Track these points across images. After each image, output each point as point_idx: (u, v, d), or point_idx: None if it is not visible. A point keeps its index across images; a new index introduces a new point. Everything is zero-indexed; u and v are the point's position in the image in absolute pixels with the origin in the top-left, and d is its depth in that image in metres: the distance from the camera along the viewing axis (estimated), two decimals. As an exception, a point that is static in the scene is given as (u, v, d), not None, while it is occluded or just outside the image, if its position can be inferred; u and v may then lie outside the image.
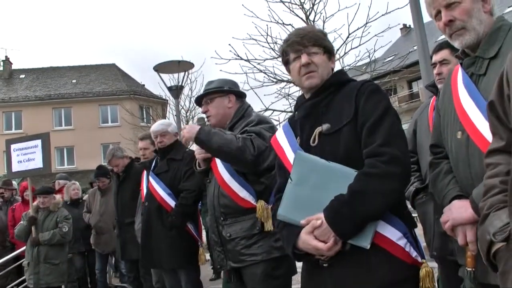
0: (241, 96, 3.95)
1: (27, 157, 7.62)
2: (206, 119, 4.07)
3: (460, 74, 2.31)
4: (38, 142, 7.63)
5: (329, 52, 2.60)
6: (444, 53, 3.43)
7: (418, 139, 3.60)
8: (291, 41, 2.58)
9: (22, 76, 42.82)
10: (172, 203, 5.18)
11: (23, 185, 9.36)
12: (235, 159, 3.42)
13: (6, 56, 43.44)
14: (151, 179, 5.38)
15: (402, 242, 2.26)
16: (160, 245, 5.12)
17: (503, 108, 1.71)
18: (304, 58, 2.50)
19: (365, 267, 2.24)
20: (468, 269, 2.14)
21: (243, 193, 3.48)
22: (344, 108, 2.40)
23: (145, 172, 6.00)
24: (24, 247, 7.70)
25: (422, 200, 3.39)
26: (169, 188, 5.23)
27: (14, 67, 43.89)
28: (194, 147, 4.05)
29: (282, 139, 2.66)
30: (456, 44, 2.29)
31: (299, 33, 2.61)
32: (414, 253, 2.29)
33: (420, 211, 3.52)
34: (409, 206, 3.46)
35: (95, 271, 8.60)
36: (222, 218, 3.54)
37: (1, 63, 43.04)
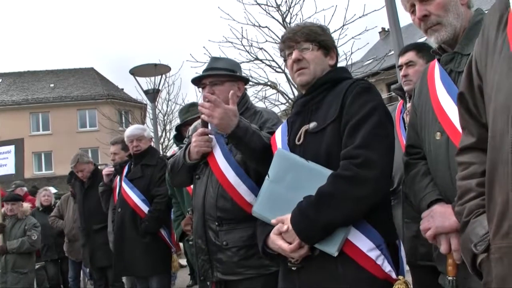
0: (246, 83, 3.56)
1: (-2, 163, 7.45)
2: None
3: (437, 70, 2.21)
4: (12, 147, 7.50)
5: (325, 47, 2.51)
6: (410, 55, 3.38)
7: None
8: (284, 37, 2.56)
9: (-1, 80, 42.20)
10: (146, 209, 5.14)
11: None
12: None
13: (-18, 60, 42.83)
14: (124, 184, 5.30)
15: (373, 254, 2.14)
16: (134, 251, 5.05)
17: (474, 100, 1.61)
18: (294, 54, 2.47)
19: (331, 275, 2.15)
20: (449, 278, 2.05)
21: (250, 197, 2.95)
22: (331, 107, 2.33)
23: (117, 177, 5.91)
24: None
25: (391, 204, 3.30)
26: (143, 194, 5.17)
27: (-10, 71, 43.26)
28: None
29: (278, 138, 2.58)
30: (432, 39, 2.20)
31: (292, 29, 2.58)
32: (387, 268, 2.15)
33: (394, 214, 3.44)
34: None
35: (68, 278, 8.43)
36: (217, 223, 3.03)
37: (-23, 67, 42.44)
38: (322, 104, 2.40)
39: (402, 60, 3.42)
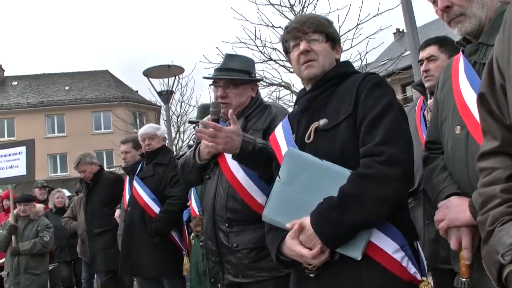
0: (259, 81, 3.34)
1: (10, 164, 7.44)
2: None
3: (461, 62, 2.09)
4: (23, 148, 7.46)
5: (332, 40, 2.39)
6: (431, 49, 3.26)
7: None
8: (291, 27, 2.40)
9: (15, 83, 42.62)
10: (156, 209, 5.04)
11: (5, 193, 9.15)
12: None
13: (-2, 63, 43.20)
14: (135, 183, 5.23)
15: (398, 255, 2.02)
16: (142, 252, 4.95)
17: (496, 101, 1.48)
18: (303, 45, 2.31)
19: (355, 281, 2.02)
20: (463, 279, 1.94)
21: (262, 198, 2.84)
22: (344, 102, 2.20)
23: (127, 178, 5.86)
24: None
25: (411, 205, 3.19)
26: (153, 193, 5.09)
27: (6, 74, 43.72)
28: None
29: (280, 136, 2.44)
30: (456, 31, 2.08)
31: (300, 19, 2.43)
32: (412, 269, 2.04)
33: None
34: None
35: (81, 280, 8.40)
36: (227, 225, 2.96)
37: (-7, 70, 42.85)
38: (331, 100, 2.27)
39: (423, 54, 3.30)
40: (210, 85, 3.26)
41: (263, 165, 2.68)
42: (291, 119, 2.48)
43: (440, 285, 3.02)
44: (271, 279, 2.84)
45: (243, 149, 2.67)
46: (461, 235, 1.91)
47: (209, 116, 2.93)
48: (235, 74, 3.15)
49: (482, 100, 1.55)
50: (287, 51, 2.48)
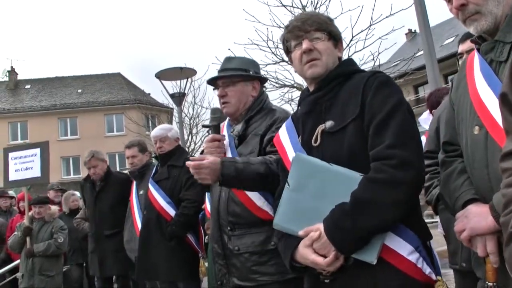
0: (263, 82, 3.42)
1: (25, 166, 7.45)
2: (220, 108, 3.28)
3: (476, 61, 2.03)
4: (37, 150, 7.47)
5: (335, 38, 2.34)
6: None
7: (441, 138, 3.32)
8: (291, 26, 2.33)
9: (28, 86, 43.04)
10: (172, 212, 4.98)
11: (20, 196, 9.17)
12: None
13: (11, 67, 43.81)
14: (150, 186, 5.18)
15: (413, 257, 1.99)
16: (158, 256, 4.90)
17: None
18: (305, 44, 2.25)
19: (370, 284, 2.00)
20: (490, 284, 1.88)
21: (260, 201, 2.90)
22: (350, 103, 2.14)
23: (134, 182, 5.85)
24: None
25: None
26: (169, 196, 5.03)
27: (19, 77, 44.20)
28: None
29: (285, 138, 2.40)
30: (471, 30, 2.02)
31: (300, 18, 2.36)
32: (427, 270, 2.01)
33: (444, 217, 3.25)
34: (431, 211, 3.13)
35: (94, 282, 8.39)
36: (229, 228, 2.98)
37: (7, 74, 43.34)
38: (336, 100, 2.21)
39: (463, 47, 3.21)
40: (213, 90, 3.29)
41: (250, 182, 2.76)
42: (295, 120, 2.44)
43: None
44: (274, 283, 2.84)
45: (225, 174, 2.72)
46: (486, 240, 1.86)
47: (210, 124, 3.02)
48: (231, 73, 3.18)
49: (504, 99, 1.50)
50: (288, 51, 2.42)
